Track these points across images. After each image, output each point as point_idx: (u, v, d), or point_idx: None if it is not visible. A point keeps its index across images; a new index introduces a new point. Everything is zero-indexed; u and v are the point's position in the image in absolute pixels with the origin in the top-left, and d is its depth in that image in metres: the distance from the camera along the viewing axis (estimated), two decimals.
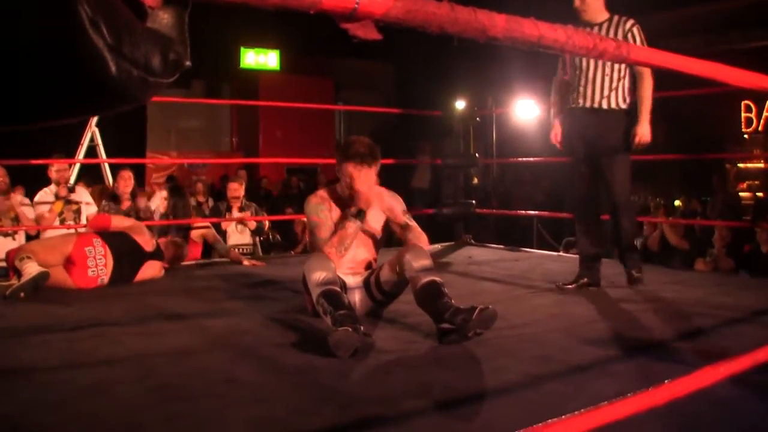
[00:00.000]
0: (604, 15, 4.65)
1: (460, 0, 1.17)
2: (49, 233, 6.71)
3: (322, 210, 3.99)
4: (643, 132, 4.62)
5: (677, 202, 11.45)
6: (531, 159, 9.09)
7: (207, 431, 2.35)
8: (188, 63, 0.85)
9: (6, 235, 6.97)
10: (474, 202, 7.60)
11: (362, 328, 3.30)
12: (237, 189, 7.95)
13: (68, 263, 5.14)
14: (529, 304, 4.48)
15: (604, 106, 4.64)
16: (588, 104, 4.68)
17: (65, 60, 0.72)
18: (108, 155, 9.67)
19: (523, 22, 1.20)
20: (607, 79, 4.60)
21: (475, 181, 14.40)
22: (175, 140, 16.58)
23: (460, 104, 7.86)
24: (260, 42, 16.05)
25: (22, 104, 0.78)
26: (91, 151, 9.68)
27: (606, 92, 4.61)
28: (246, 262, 6.44)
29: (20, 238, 7.04)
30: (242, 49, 16.11)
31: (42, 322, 4.03)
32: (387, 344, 3.49)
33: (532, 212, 4.54)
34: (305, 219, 4.13)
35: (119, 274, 5.33)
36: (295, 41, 14.98)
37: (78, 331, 3.81)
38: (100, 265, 5.22)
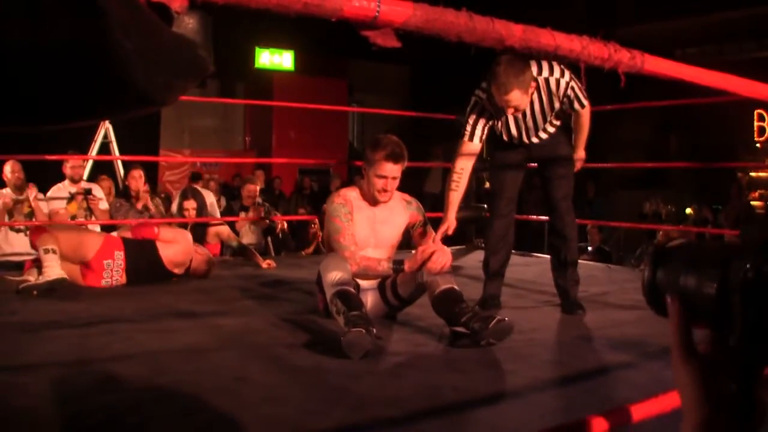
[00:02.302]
0: (533, 91, 4.16)
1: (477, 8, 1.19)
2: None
3: (344, 213, 3.98)
4: (581, 157, 4.60)
5: (688, 210, 11.43)
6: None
7: (218, 428, 2.37)
8: (212, 67, 0.87)
9: (19, 230, 7.01)
10: (486, 206, 7.60)
11: (374, 330, 3.32)
12: (254, 191, 8.01)
13: (84, 267, 5.18)
14: (540, 310, 4.49)
15: (543, 137, 4.43)
16: (525, 143, 4.45)
17: (90, 62, 0.74)
18: (121, 152, 9.72)
19: (540, 32, 1.22)
20: (540, 128, 4.36)
21: (487, 185, 14.40)
22: (188, 139, 16.62)
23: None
24: (275, 42, 16.07)
25: (44, 105, 0.80)
26: (105, 148, 9.73)
27: (540, 131, 4.38)
28: (263, 263, 6.45)
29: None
30: (257, 49, 16.13)
31: (55, 318, 4.06)
32: (398, 347, 3.52)
33: (543, 217, 4.53)
34: (325, 218, 4.12)
35: (132, 286, 5.35)
36: (309, 42, 14.99)
37: (90, 327, 3.83)
38: (115, 276, 5.26)
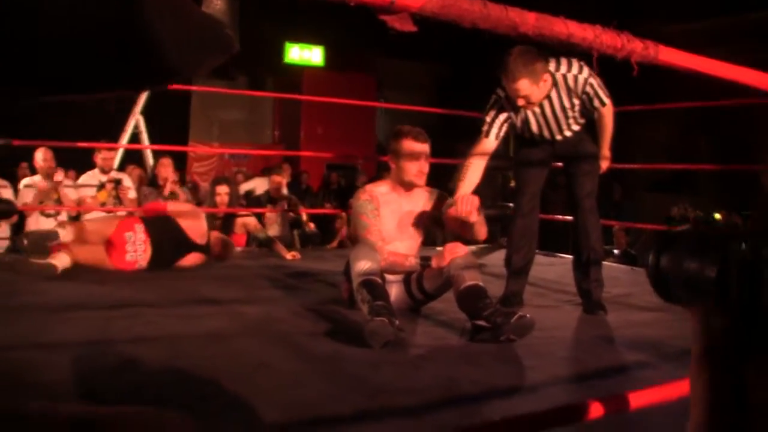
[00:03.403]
0: (549, 85, 4.16)
1: None
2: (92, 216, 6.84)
3: (371, 209, 4.01)
4: (607, 156, 4.55)
5: (717, 215, 11.33)
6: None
7: (237, 411, 2.40)
8: (237, 46, 0.90)
9: (48, 215, 7.12)
10: (511, 204, 7.60)
11: (397, 321, 3.35)
12: (280, 182, 8.08)
13: (108, 245, 5.28)
14: (561, 309, 4.49)
15: (567, 135, 4.39)
16: (548, 140, 4.41)
17: (123, 39, 0.77)
18: (151, 143, 9.83)
19: (553, 20, 1.24)
20: (563, 125, 4.33)
21: (513, 184, 14.39)
22: (217, 131, 16.71)
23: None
24: (305, 37, 16.13)
25: (74, 76, 0.83)
26: (135, 139, 9.83)
27: (564, 129, 4.35)
28: (288, 255, 6.50)
29: (62, 219, 7.19)
30: (287, 44, 16.20)
31: (79, 300, 4.13)
32: (419, 339, 3.55)
33: (568, 217, 4.54)
34: (350, 214, 4.17)
35: (158, 261, 5.44)
36: (339, 38, 15.03)
37: (114, 310, 3.89)
38: (139, 250, 5.34)
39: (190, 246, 5.62)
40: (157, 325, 3.57)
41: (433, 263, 3.92)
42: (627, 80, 2.04)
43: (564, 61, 4.12)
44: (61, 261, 5.03)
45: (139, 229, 5.40)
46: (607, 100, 4.24)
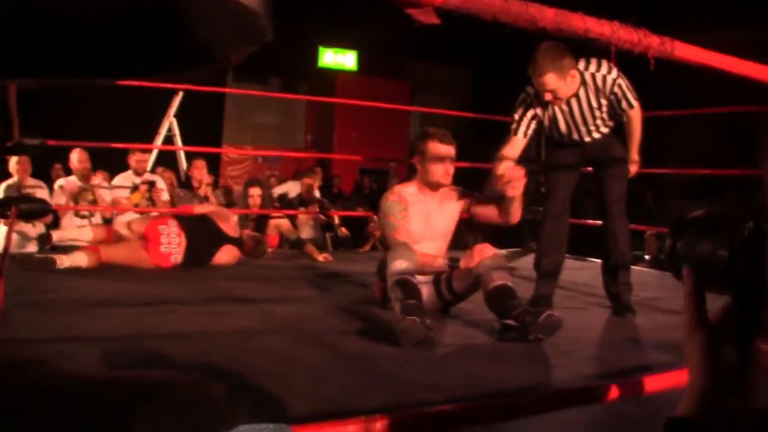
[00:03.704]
0: (576, 83, 4.20)
1: None
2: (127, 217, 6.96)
3: (399, 210, 4.05)
4: (636, 160, 4.48)
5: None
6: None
7: (264, 404, 2.44)
8: (271, 36, 0.95)
9: (83, 216, 7.23)
10: (542, 209, 7.59)
11: (428, 321, 3.39)
12: (311, 184, 8.16)
13: (143, 240, 5.42)
14: (590, 311, 4.51)
15: (596, 137, 4.41)
16: (577, 142, 4.43)
17: (161, 23, 0.81)
18: (185, 146, 9.93)
19: (571, 16, 1.27)
20: (591, 126, 4.34)
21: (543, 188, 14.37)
22: (250, 135, 16.84)
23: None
24: (338, 42, 16.22)
25: (112, 58, 0.88)
26: (168, 141, 9.94)
27: (592, 131, 4.37)
28: (320, 257, 6.57)
29: (96, 219, 7.31)
30: (320, 49, 16.30)
31: (113, 297, 4.20)
32: (447, 338, 3.59)
33: (600, 222, 4.54)
34: (380, 216, 4.22)
35: (194, 253, 5.57)
36: (372, 43, 15.11)
37: (147, 306, 3.96)
38: (173, 243, 5.46)
39: (223, 238, 5.75)
40: (189, 322, 3.63)
41: (462, 264, 3.96)
42: (658, 85, 2.06)
43: (593, 61, 4.15)
44: (71, 259, 5.15)
45: (173, 223, 5.56)
46: (635, 103, 4.24)
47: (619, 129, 4.45)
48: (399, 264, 3.69)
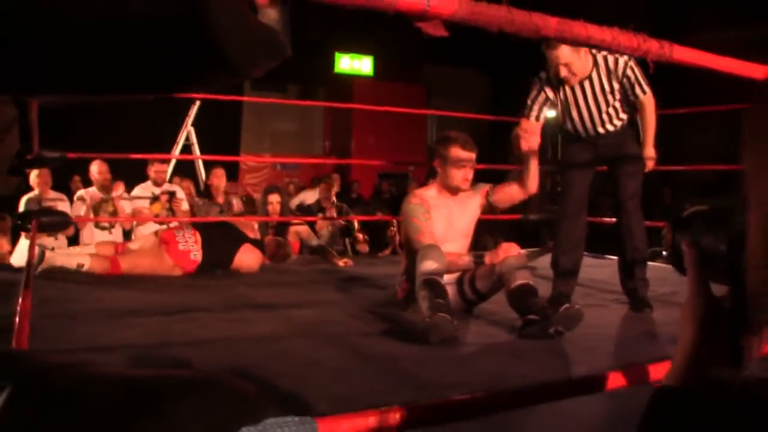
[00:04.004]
0: (589, 64, 4.29)
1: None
2: (146, 229, 7.07)
3: (422, 212, 4.13)
4: (651, 155, 4.43)
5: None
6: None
7: (286, 404, 2.48)
8: (290, 52, 1.01)
9: (103, 228, 7.32)
10: (559, 208, 7.60)
11: (453, 320, 3.45)
12: (330, 191, 8.23)
13: (162, 243, 5.56)
14: (608, 307, 4.54)
15: (610, 129, 4.43)
16: (590, 134, 4.46)
17: (192, 36, 0.87)
18: (203, 155, 10.00)
19: (573, 24, 1.33)
20: (604, 115, 4.37)
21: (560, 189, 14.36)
22: (268, 143, 16.92)
23: (551, 113, 7.90)
24: (354, 47, 16.29)
25: (147, 75, 0.94)
26: (186, 150, 10.00)
27: (606, 121, 4.40)
28: (340, 262, 6.63)
29: (117, 230, 7.41)
30: (336, 54, 16.38)
31: (136, 306, 4.26)
32: (470, 337, 3.64)
33: (615, 219, 4.57)
34: (402, 219, 4.28)
35: (213, 251, 5.74)
36: (388, 48, 15.16)
37: (170, 315, 4.01)
38: (190, 242, 5.61)
39: (243, 238, 5.88)
40: (213, 329, 3.69)
41: (487, 260, 4.01)
42: (671, 83, 2.10)
43: None
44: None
45: (188, 226, 5.74)
46: (647, 89, 4.27)
47: (633, 127, 4.48)
48: (429, 264, 3.75)
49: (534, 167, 4.10)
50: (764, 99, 0.73)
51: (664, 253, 4.25)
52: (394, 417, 1.38)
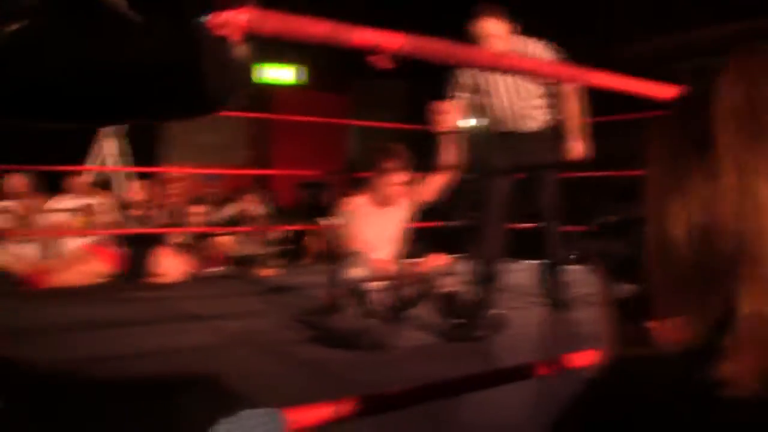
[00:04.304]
0: (512, 44, 4.33)
1: None
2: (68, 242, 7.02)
3: (353, 219, 4.21)
4: (575, 147, 4.47)
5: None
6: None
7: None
8: (254, 83, 1.11)
9: (22, 241, 7.21)
10: (480, 215, 7.74)
11: (383, 325, 3.59)
12: (253, 202, 8.27)
13: (86, 254, 5.66)
14: (530, 309, 4.71)
15: (526, 128, 4.56)
16: (507, 129, 4.59)
17: (178, 71, 0.97)
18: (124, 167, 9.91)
19: (505, 56, 1.48)
20: (523, 102, 4.49)
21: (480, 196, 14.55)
22: (191, 153, 16.77)
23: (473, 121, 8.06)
24: (277, 57, 16.28)
25: (126, 106, 1.03)
26: (108, 163, 9.89)
27: (525, 114, 4.52)
28: (264, 272, 6.69)
29: (36, 244, 7.31)
30: (260, 64, 16.34)
31: (64, 321, 4.24)
32: (399, 342, 3.74)
33: (533, 224, 4.72)
34: (334, 226, 4.37)
35: (136, 259, 5.96)
36: (311, 58, 15.22)
37: (102, 329, 4.03)
38: (112, 243, 5.71)
39: (165, 245, 5.95)
40: (146, 341, 3.72)
41: (416, 269, 4.13)
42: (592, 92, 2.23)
43: (529, 38, 4.39)
44: None
45: (108, 238, 6.03)
46: None
47: (554, 132, 4.59)
48: (353, 272, 3.86)
49: (449, 145, 4.20)
50: (661, 121, 0.84)
51: (578, 257, 4.45)
52: (350, 407, 1.50)
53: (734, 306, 0.64)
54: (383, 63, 1.36)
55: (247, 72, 1.04)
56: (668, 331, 0.81)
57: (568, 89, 4.39)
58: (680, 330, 0.75)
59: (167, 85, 0.97)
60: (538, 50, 4.37)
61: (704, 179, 0.70)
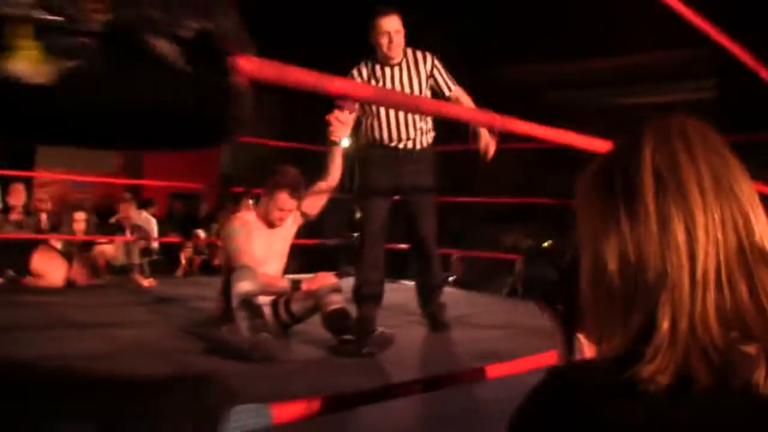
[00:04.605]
0: (401, 53, 4.53)
1: None
2: None
3: (243, 234, 4.30)
4: (488, 143, 4.36)
5: (546, 243, 11.93)
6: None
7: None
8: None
9: None
10: (359, 235, 7.89)
11: (273, 339, 3.74)
12: (128, 211, 8.20)
13: None
14: (410, 328, 4.85)
15: (410, 146, 4.66)
16: (393, 144, 4.65)
17: (215, 124, 1.11)
18: None
19: (392, 94, 1.64)
20: (409, 117, 4.54)
21: (358, 215, 14.71)
22: (61, 159, 16.36)
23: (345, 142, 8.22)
24: None
25: (164, 136, 1.15)
26: None
27: (411, 132, 4.61)
28: (144, 282, 6.69)
29: None
30: None
31: None
32: (290, 355, 3.94)
33: (409, 245, 4.89)
34: (224, 240, 4.50)
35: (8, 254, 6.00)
36: None
37: None
38: None
39: (41, 243, 5.92)
40: (40, 348, 3.73)
41: (304, 286, 4.28)
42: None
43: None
44: None
45: None
46: (454, 86, 4.59)
47: (434, 157, 4.80)
48: (244, 285, 3.96)
49: (338, 157, 4.37)
50: (591, 174, 1.01)
51: (452, 278, 4.71)
52: (323, 403, 1.62)
53: (654, 322, 0.84)
54: (349, 108, 1.52)
55: (247, 111, 1.18)
56: (595, 342, 1.01)
57: (454, 95, 4.57)
58: (607, 341, 0.95)
59: (198, 125, 1.11)
60: (420, 53, 4.57)
61: (632, 226, 0.90)
